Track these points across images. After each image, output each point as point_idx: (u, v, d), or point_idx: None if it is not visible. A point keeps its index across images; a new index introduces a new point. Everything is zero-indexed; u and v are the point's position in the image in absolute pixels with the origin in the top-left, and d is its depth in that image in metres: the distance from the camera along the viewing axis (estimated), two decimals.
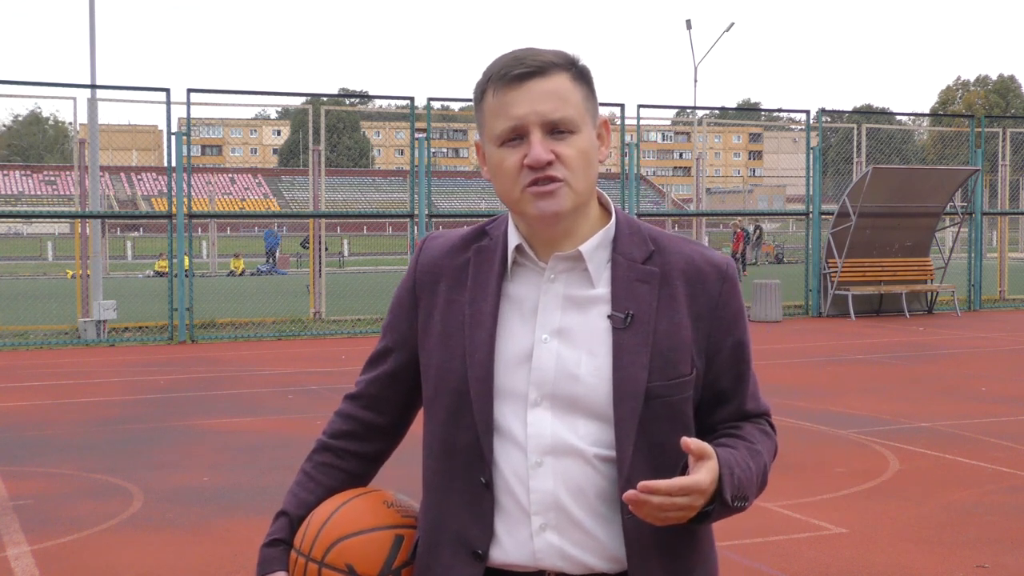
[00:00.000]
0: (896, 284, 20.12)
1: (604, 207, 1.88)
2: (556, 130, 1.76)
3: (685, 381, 1.80)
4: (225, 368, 13.62)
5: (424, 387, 1.91)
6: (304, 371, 13.15)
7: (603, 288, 1.81)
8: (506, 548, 1.80)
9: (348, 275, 32.89)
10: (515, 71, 1.76)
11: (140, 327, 17.58)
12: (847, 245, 19.40)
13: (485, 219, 1.97)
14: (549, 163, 1.75)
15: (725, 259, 1.89)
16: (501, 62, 1.79)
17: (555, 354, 1.79)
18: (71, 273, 27.58)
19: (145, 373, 13.05)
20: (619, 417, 1.76)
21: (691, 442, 1.69)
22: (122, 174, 67.33)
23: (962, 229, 23.55)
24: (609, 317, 1.79)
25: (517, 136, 1.77)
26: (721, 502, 1.72)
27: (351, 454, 2.03)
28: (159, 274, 32.68)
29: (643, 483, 1.66)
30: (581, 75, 1.80)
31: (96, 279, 17.07)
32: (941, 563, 5.57)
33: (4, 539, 6.12)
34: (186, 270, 16.69)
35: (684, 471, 1.71)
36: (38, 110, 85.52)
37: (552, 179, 1.75)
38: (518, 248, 1.84)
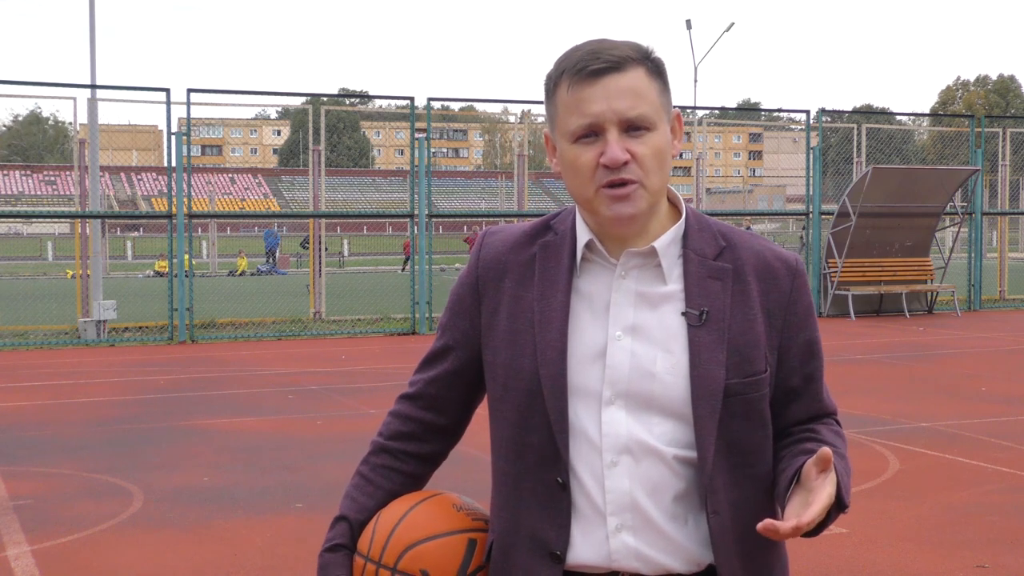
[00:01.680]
0: (896, 284, 20.13)
1: (673, 203, 1.85)
2: (632, 128, 1.72)
3: (761, 379, 1.78)
4: (225, 368, 13.62)
5: (490, 386, 1.87)
6: (304, 371, 13.15)
7: (675, 285, 1.79)
8: (581, 549, 1.77)
9: (348, 275, 32.91)
10: (592, 66, 1.72)
11: (140, 327, 17.58)
12: (847, 245, 19.40)
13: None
14: (625, 163, 1.72)
15: (794, 256, 1.87)
16: (576, 55, 1.75)
17: (629, 351, 1.76)
18: (71, 273, 27.58)
19: (145, 373, 13.05)
20: (698, 416, 1.74)
21: (823, 453, 1.66)
22: (122, 174, 67.34)
23: (962, 229, 23.55)
24: (684, 314, 1.77)
25: (592, 133, 1.73)
26: (838, 508, 1.71)
27: (410, 456, 1.97)
28: (159, 274, 32.69)
29: (795, 523, 1.63)
30: (656, 69, 1.77)
31: (96, 279, 17.07)
32: (941, 563, 5.57)
33: (4, 539, 6.12)
34: (186, 270, 16.70)
35: (797, 477, 1.71)
36: (38, 110, 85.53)
37: (626, 182, 1.72)
38: (588, 244, 1.81)
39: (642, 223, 1.78)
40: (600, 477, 1.75)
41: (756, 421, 1.79)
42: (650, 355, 1.76)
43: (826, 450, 1.66)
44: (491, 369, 1.86)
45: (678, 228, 1.81)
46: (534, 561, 1.79)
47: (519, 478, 1.82)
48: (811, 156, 20.68)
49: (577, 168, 1.75)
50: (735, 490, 1.77)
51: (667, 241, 1.79)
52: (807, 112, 21.29)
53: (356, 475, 1.99)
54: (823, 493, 1.66)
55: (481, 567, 1.85)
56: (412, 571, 1.81)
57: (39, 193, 59.19)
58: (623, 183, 1.72)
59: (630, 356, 1.76)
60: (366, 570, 1.84)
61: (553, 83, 1.78)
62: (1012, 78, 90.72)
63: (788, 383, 1.83)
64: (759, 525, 1.65)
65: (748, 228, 41.11)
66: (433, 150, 32.41)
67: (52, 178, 60.89)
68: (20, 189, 60.96)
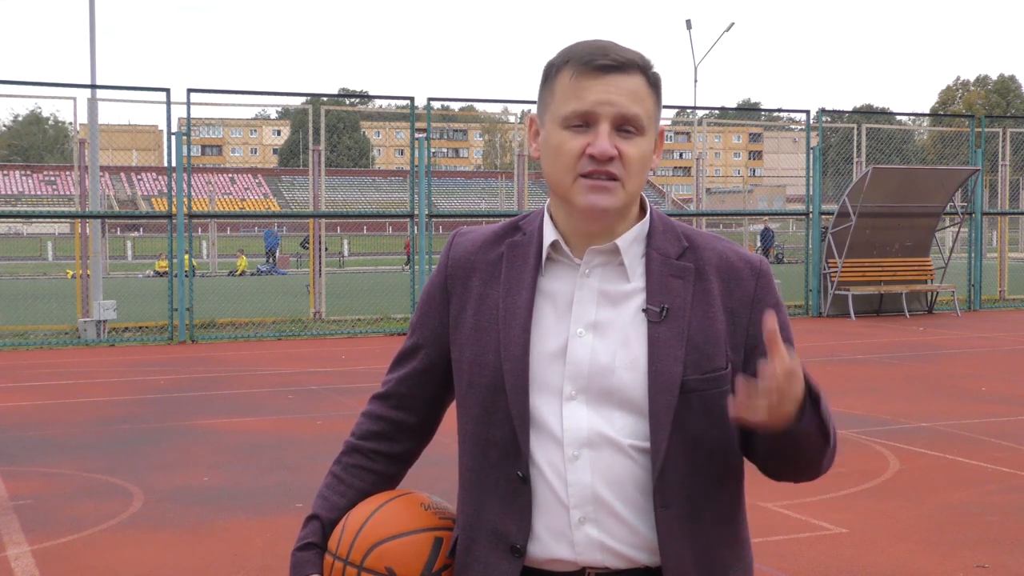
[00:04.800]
0: (896, 284, 20.13)
1: (639, 205, 1.88)
2: (624, 127, 1.76)
3: (721, 375, 1.80)
4: (225, 368, 13.61)
5: (457, 382, 1.90)
6: (304, 371, 13.15)
7: (638, 282, 1.82)
8: (545, 543, 1.79)
9: (348, 275, 32.91)
10: (600, 61, 1.76)
11: (140, 327, 17.58)
12: (847, 245, 19.40)
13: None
14: (611, 159, 1.75)
15: (759, 257, 1.90)
16: (585, 48, 1.79)
17: (590, 348, 1.79)
18: (71, 273, 27.58)
19: (145, 373, 13.05)
20: (654, 410, 1.76)
21: (770, 329, 1.66)
22: (122, 174, 67.32)
23: (962, 229, 23.55)
24: (645, 310, 1.79)
25: (584, 123, 1.77)
26: (811, 400, 1.72)
27: (381, 455, 2.00)
28: (159, 274, 32.70)
29: (761, 380, 1.64)
30: (655, 82, 1.81)
31: (96, 279, 17.07)
32: (941, 563, 5.58)
33: (4, 539, 6.12)
34: (186, 271, 16.70)
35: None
36: (38, 110, 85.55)
37: (610, 176, 1.76)
38: (553, 244, 1.84)
39: (611, 221, 1.81)
40: (562, 471, 1.78)
41: (715, 418, 1.80)
42: (610, 351, 1.78)
43: (770, 323, 1.66)
44: (457, 366, 1.89)
45: (641, 227, 1.85)
46: (494, 554, 1.82)
47: (482, 473, 1.85)
48: (811, 156, 20.68)
49: (561, 152, 1.78)
50: (691, 485, 1.79)
51: (630, 239, 1.83)
52: (807, 112, 21.29)
53: (328, 475, 2.02)
54: (792, 360, 1.65)
55: (447, 565, 1.88)
56: (378, 568, 1.84)
57: (39, 193, 59.17)
58: (606, 175, 1.76)
59: (591, 352, 1.79)
60: (334, 568, 1.88)
61: (556, 69, 1.81)
62: (1012, 78, 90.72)
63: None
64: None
65: (768, 229, 41.04)
66: (433, 150, 32.45)
67: (52, 178, 60.88)
68: (20, 189, 60.93)
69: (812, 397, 1.73)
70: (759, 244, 39.78)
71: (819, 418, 1.75)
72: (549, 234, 1.85)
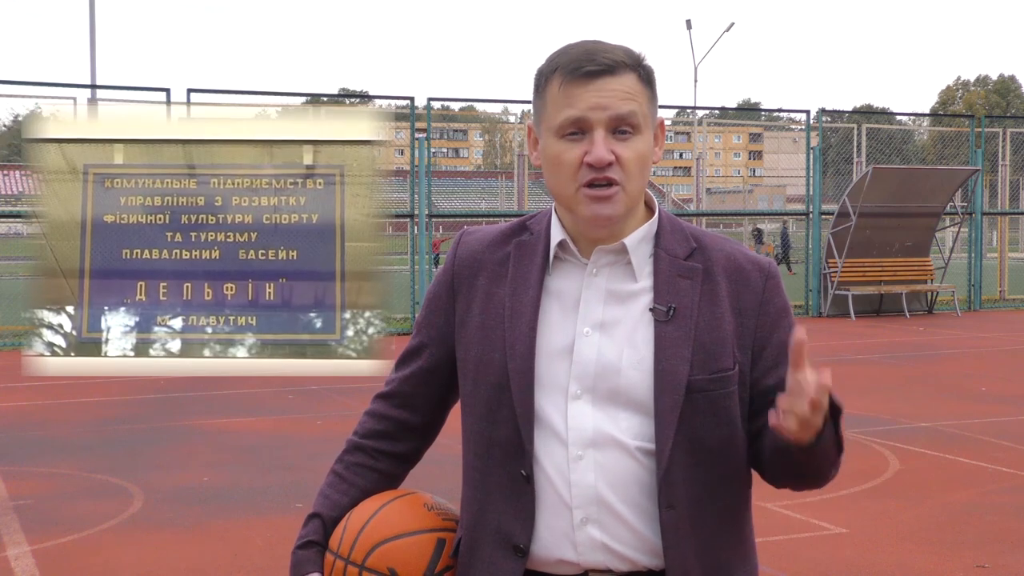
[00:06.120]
0: (896, 284, 20.13)
1: (647, 204, 1.87)
2: (619, 129, 1.75)
3: (727, 376, 1.79)
4: None
5: (462, 381, 1.89)
6: None
7: (646, 282, 1.81)
8: (547, 543, 1.79)
9: None
10: (586, 67, 1.74)
11: None
12: (847, 245, 19.40)
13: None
14: (609, 164, 1.74)
15: (767, 259, 1.90)
16: (571, 54, 1.77)
17: (596, 347, 1.78)
18: None
19: None
20: (660, 410, 1.75)
21: (798, 341, 1.65)
22: None
23: (962, 229, 23.56)
24: (651, 310, 1.79)
25: (579, 131, 1.75)
26: (832, 414, 1.73)
27: (384, 454, 1.99)
28: None
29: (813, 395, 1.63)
30: (647, 77, 1.79)
31: None
32: (941, 563, 5.58)
33: (4, 539, 6.12)
34: None
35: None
36: (38, 110, 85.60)
37: (610, 182, 1.74)
38: (561, 244, 1.83)
39: (618, 226, 1.80)
40: (565, 471, 1.77)
41: (722, 419, 1.79)
42: (617, 350, 1.78)
43: (798, 337, 1.65)
44: (463, 364, 1.88)
45: (649, 227, 1.84)
46: (498, 554, 1.81)
47: (486, 472, 1.84)
48: (811, 156, 20.69)
49: (560, 164, 1.77)
50: (696, 486, 1.78)
51: (637, 239, 1.82)
52: (807, 112, 21.30)
53: (331, 473, 2.01)
54: (812, 377, 1.65)
55: (449, 567, 1.87)
56: (380, 569, 1.83)
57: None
58: (607, 183, 1.74)
59: (597, 351, 1.78)
60: (335, 567, 1.87)
61: (545, 78, 1.80)
62: (1012, 78, 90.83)
63: (764, 383, 1.83)
64: (775, 416, 1.66)
65: (781, 225, 40.85)
66: (433, 150, 32.43)
67: None
68: (20, 189, 60.99)
69: (834, 410, 1.73)
70: (756, 244, 39.73)
71: (837, 432, 1.76)
72: (557, 234, 1.84)
